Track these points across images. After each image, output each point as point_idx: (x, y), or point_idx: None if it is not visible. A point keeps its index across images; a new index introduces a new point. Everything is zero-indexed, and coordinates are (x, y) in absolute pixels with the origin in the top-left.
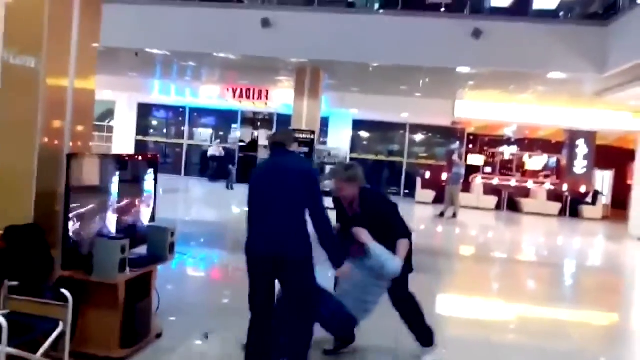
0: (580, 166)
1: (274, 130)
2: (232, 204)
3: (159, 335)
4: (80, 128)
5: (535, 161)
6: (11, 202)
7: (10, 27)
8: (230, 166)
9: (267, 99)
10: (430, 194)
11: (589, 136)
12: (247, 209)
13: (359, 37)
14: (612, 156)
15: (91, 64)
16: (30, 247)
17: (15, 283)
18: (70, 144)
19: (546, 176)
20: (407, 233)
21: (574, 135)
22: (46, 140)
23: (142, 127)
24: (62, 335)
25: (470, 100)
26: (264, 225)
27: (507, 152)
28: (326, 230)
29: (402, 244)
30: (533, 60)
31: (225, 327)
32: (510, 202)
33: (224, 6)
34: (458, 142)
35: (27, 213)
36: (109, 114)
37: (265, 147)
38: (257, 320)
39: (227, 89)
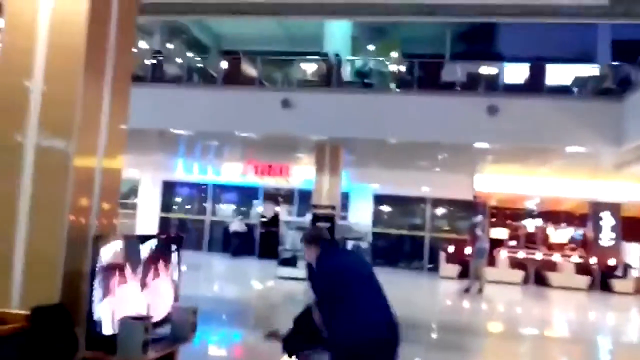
0: (606, 238)
1: (295, 206)
2: (254, 280)
3: None
4: (106, 206)
5: (560, 234)
6: (39, 282)
7: (43, 110)
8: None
9: (287, 175)
10: (454, 269)
11: (614, 208)
12: (338, 297)
13: (376, 115)
14: None
15: (120, 145)
16: (56, 328)
17: None
18: (97, 222)
19: (573, 249)
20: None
21: (598, 207)
22: (74, 219)
23: (166, 204)
24: None
25: (490, 174)
26: (377, 309)
27: (531, 225)
28: None
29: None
30: (549, 135)
31: None
32: (537, 276)
33: (245, 88)
34: (480, 216)
35: (54, 293)
36: (133, 191)
37: (284, 223)
38: None
39: (249, 166)
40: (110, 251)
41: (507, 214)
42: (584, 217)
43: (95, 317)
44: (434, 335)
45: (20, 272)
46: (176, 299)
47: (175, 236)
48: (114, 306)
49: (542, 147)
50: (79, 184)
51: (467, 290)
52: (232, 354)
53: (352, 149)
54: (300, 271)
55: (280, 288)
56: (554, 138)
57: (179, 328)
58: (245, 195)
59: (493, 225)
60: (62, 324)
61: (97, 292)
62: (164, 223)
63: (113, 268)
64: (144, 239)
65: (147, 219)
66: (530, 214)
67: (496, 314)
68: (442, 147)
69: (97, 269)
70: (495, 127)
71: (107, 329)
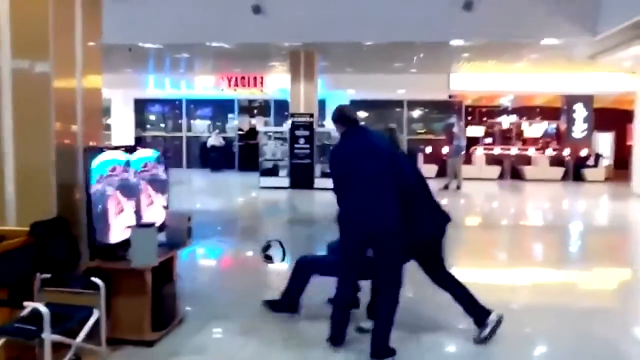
0: (579, 130)
1: (271, 117)
2: (238, 192)
3: (180, 321)
4: (90, 126)
5: (534, 128)
6: (34, 199)
7: (17, 33)
8: None
9: (262, 85)
10: (432, 168)
11: (587, 100)
12: (337, 186)
13: (350, 16)
14: (611, 118)
15: (96, 63)
16: (57, 239)
17: (47, 275)
18: (82, 139)
19: (546, 142)
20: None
21: (571, 100)
22: (60, 139)
23: (140, 122)
24: (96, 322)
25: (466, 72)
26: (363, 202)
27: (506, 121)
28: None
29: None
30: (525, 28)
31: (240, 313)
32: (512, 171)
33: None
34: (456, 115)
35: (50, 208)
36: (105, 111)
37: (263, 133)
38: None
39: (222, 78)
40: (100, 162)
41: (483, 112)
42: (557, 110)
43: (96, 227)
44: None
45: (13, 191)
46: (167, 206)
47: (159, 149)
48: (112, 215)
49: (518, 41)
50: (61, 104)
51: (445, 188)
52: (223, 262)
53: (326, 54)
54: (282, 180)
55: (265, 197)
56: (529, 31)
57: (176, 233)
58: (220, 109)
59: (469, 123)
60: (62, 236)
61: (95, 203)
62: (140, 142)
63: (105, 178)
64: (131, 150)
65: (121, 138)
66: (505, 111)
67: (474, 207)
68: (418, 46)
69: (90, 179)
70: (471, 23)
71: (109, 238)
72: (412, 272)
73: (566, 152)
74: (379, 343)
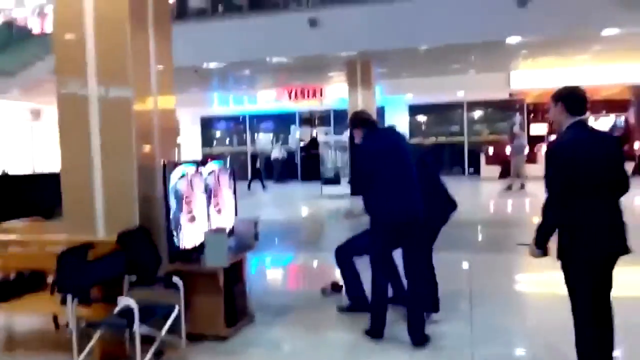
0: None
1: (331, 126)
2: (302, 201)
3: (251, 318)
4: (166, 143)
5: (601, 122)
6: (119, 211)
7: (101, 64)
8: None
9: (322, 96)
10: (495, 170)
11: None
12: (368, 175)
13: (403, 23)
14: None
15: (169, 85)
16: (140, 246)
17: (133, 277)
18: (161, 155)
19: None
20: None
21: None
22: (141, 157)
23: (207, 139)
24: (177, 318)
25: (526, 69)
26: (394, 193)
27: None
28: None
29: None
30: (583, 20)
31: (303, 310)
32: None
33: (271, 12)
34: (518, 114)
35: (133, 218)
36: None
37: (324, 143)
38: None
39: (283, 92)
40: (177, 176)
41: (546, 109)
42: (626, 102)
43: (174, 234)
44: (479, 235)
45: (102, 205)
46: (236, 212)
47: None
48: (189, 223)
49: (576, 34)
50: (141, 125)
51: (509, 188)
52: (287, 266)
53: (382, 61)
54: (344, 188)
55: (327, 205)
56: (588, 22)
57: (244, 238)
58: (282, 121)
59: (532, 121)
60: (144, 243)
61: (173, 213)
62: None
63: (183, 190)
64: (202, 163)
65: (189, 155)
66: None
67: (539, 207)
68: (473, 47)
69: (169, 192)
70: (526, 18)
71: (187, 244)
72: None
73: (637, 145)
74: (418, 331)
